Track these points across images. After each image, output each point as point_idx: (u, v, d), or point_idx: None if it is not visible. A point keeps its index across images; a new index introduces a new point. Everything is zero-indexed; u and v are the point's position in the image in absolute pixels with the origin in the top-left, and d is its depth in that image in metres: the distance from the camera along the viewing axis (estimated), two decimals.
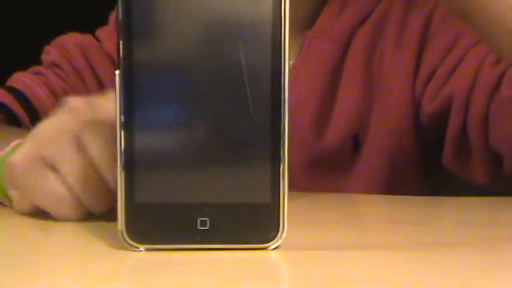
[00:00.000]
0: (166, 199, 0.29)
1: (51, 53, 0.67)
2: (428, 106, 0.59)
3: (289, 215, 0.29)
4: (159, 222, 0.29)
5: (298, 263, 0.28)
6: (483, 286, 0.25)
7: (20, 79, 0.64)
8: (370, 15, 0.63)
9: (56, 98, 0.64)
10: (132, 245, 0.29)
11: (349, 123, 0.60)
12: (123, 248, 0.29)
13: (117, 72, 0.29)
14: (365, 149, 0.61)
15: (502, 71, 0.54)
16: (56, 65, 0.66)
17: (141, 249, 0.29)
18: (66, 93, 0.65)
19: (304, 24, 0.64)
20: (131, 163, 0.29)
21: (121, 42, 0.28)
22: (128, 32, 0.28)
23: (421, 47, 0.61)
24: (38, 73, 0.66)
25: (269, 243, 0.29)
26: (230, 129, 0.30)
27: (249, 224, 0.29)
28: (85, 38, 0.68)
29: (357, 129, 0.60)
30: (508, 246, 0.32)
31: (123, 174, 0.29)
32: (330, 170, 0.60)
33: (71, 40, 0.68)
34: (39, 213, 0.36)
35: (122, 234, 0.29)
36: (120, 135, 0.29)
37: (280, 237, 0.29)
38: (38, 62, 0.69)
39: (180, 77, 0.29)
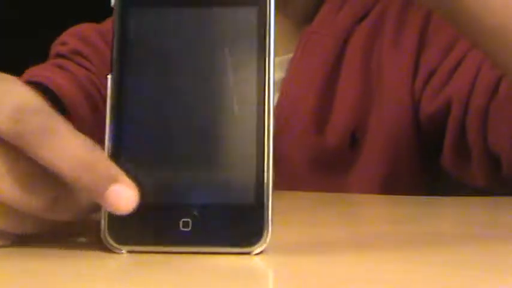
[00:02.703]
0: (148, 200, 0.28)
1: (69, 42, 0.65)
2: (428, 107, 0.58)
3: (285, 214, 0.28)
4: (141, 224, 0.28)
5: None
6: (483, 286, 0.24)
7: (42, 73, 0.61)
8: (369, 12, 0.62)
9: (81, 89, 0.61)
10: (114, 247, 0.28)
11: (348, 120, 0.59)
12: (105, 249, 0.28)
13: (109, 76, 0.28)
14: (364, 146, 0.59)
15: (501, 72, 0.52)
16: (78, 53, 0.64)
17: (123, 251, 0.28)
18: (91, 81, 0.63)
19: (303, 19, 0.63)
20: (115, 164, 0.28)
21: (115, 49, 0.28)
22: (123, 41, 0.28)
23: (420, 45, 0.60)
24: (59, 66, 0.63)
25: (253, 247, 0.28)
26: (213, 128, 0.29)
27: (232, 226, 0.28)
28: (101, 25, 0.66)
29: (355, 126, 0.59)
30: (508, 246, 0.32)
31: None
32: (329, 167, 0.59)
33: (89, 27, 0.66)
34: None
35: (104, 236, 0.28)
36: (109, 136, 0.28)
37: (265, 241, 0.28)
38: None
39: (168, 81, 0.29)
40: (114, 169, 0.27)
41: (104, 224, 0.28)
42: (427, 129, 0.59)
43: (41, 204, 0.26)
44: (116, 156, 0.28)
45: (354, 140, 0.59)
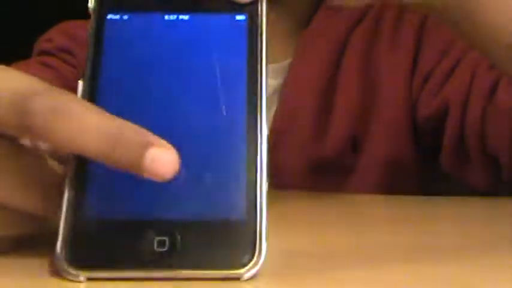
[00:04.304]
0: (115, 214, 0.23)
1: (55, 39, 0.63)
2: (425, 109, 0.57)
3: (285, 216, 0.23)
4: (105, 243, 0.22)
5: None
6: (483, 286, 0.23)
7: (28, 71, 0.57)
8: (366, 16, 0.60)
9: (67, 87, 0.57)
10: (70, 274, 0.22)
11: (349, 125, 0.57)
12: (59, 276, 0.22)
13: (80, 82, 0.25)
14: (364, 151, 0.58)
15: (498, 74, 0.51)
16: (65, 50, 0.62)
17: (81, 278, 0.22)
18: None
19: (300, 23, 0.61)
20: (78, 171, 0.23)
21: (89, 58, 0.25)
22: (98, 46, 0.25)
23: (417, 48, 0.58)
24: (43, 63, 0.61)
25: (242, 270, 0.22)
26: (198, 136, 0.24)
27: (219, 246, 0.22)
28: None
29: (356, 131, 0.57)
30: (508, 246, 0.31)
31: (67, 183, 0.23)
32: (329, 175, 0.57)
33: (76, 25, 0.63)
34: None
35: (59, 260, 0.22)
36: None
37: (257, 263, 0.22)
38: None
39: (148, 88, 0.25)
40: (146, 133, 0.22)
41: (59, 243, 0.22)
42: (425, 131, 0.58)
43: (33, 202, 0.24)
44: (78, 169, 0.23)
45: (354, 146, 0.58)
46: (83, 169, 0.23)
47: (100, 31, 0.25)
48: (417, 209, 0.45)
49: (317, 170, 0.58)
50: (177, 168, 0.21)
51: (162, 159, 0.21)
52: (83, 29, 0.62)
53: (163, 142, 0.22)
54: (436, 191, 0.59)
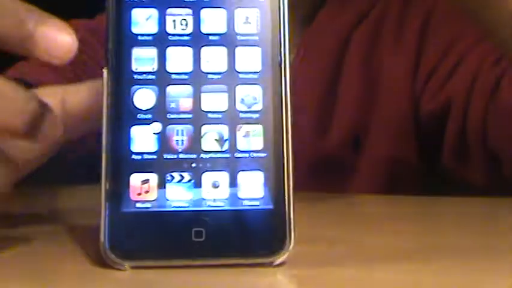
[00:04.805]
0: (155, 207, 0.24)
1: None
2: (428, 106, 0.56)
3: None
4: (147, 235, 0.24)
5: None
6: (483, 286, 0.23)
7: (32, 71, 0.56)
8: (369, 13, 0.60)
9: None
10: (115, 262, 0.24)
11: (351, 122, 0.57)
12: (105, 265, 0.24)
13: (104, 70, 0.25)
14: (366, 147, 0.57)
15: (501, 71, 0.52)
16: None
17: (125, 266, 0.24)
18: (78, 77, 0.58)
19: (303, 21, 0.60)
20: (116, 166, 0.24)
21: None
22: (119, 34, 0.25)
23: (421, 45, 0.58)
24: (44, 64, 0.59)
25: (274, 257, 0.24)
26: (226, 127, 0.25)
27: (250, 235, 0.24)
28: (91, 22, 0.62)
29: (358, 129, 0.57)
30: (508, 246, 0.31)
31: (108, 178, 0.24)
32: (330, 171, 0.57)
33: (77, 24, 0.62)
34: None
35: (105, 249, 0.24)
36: (106, 131, 0.24)
37: (287, 249, 0.24)
38: None
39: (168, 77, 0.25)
40: (37, 11, 0.22)
41: (103, 235, 0.24)
42: (427, 128, 0.58)
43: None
44: (115, 156, 0.24)
45: (356, 142, 0.57)
46: (120, 163, 0.24)
47: (118, 19, 0.25)
48: (417, 208, 0.44)
49: (318, 169, 0.57)
50: (74, 49, 0.22)
51: (55, 38, 0.22)
52: (83, 27, 0.61)
53: (57, 21, 0.22)
54: (436, 191, 0.58)
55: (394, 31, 0.59)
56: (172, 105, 0.25)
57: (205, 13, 0.26)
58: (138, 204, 0.24)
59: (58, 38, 0.22)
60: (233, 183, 0.25)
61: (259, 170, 0.25)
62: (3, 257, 0.26)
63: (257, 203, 0.25)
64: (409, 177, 0.58)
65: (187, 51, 0.25)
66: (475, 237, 0.32)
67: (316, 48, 0.59)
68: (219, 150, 0.25)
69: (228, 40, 0.26)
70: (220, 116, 0.25)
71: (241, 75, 0.25)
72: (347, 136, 0.57)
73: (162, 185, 0.25)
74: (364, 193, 0.56)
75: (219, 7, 0.26)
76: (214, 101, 0.25)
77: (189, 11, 0.26)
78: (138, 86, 0.25)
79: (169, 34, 0.26)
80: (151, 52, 0.25)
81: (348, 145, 0.57)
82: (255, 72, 0.25)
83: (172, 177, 0.25)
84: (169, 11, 0.26)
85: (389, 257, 0.27)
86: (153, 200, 0.24)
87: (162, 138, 0.25)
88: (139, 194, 0.24)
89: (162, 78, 0.25)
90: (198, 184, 0.25)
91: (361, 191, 0.56)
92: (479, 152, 0.53)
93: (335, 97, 0.58)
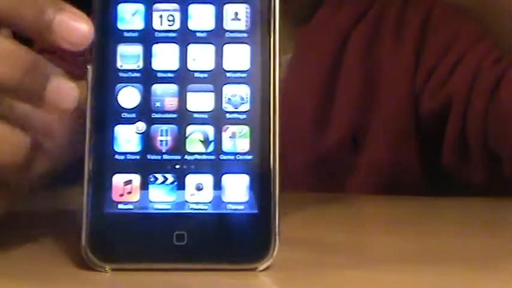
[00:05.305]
0: (137, 209, 0.24)
1: None
2: (427, 105, 0.56)
3: (284, 216, 0.24)
4: (129, 237, 0.24)
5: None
6: (483, 286, 0.23)
7: None
8: (368, 12, 0.59)
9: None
10: (96, 265, 0.23)
11: (350, 122, 0.56)
12: (86, 268, 0.23)
13: (89, 66, 0.24)
14: (364, 147, 0.56)
15: (501, 71, 0.51)
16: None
17: (106, 268, 0.23)
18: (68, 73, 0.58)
19: (301, 19, 0.59)
20: (99, 167, 0.24)
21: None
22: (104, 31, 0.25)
23: (420, 44, 0.57)
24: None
25: (257, 264, 0.23)
26: (212, 126, 0.24)
27: (234, 240, 0.24)
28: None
29: (356, 127, 0.56)
30: (508, 246, 0.31)
31: (89, 178, 0.24)
32: (329, 171, 0.56)
33: None
34: None
35: (86, 251, 0.23)
36: (90, 130, 0.24)
37: (271, 255, 0.24)
38: None
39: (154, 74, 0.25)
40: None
41: (84, 236, 0.23)
42: (426, 128, 0.57)
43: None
44: (98, 156, 0.24)
45: (355, 141, 0.56)
46: (103, 163, 0.24)
47: (104, 16, 0.25)
48: (417, 209, 0.44)
49: (317, 166, 0.57)
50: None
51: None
52: None
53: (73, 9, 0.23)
54: (436, 191, 0.58)
55: (393, 30, 0.58)
56: (157, 104, 0.24)
57: (193, 9, 0.25)
58: (120, 206, 0.24)
59: (76, 25, 0.23)
60: (217, 186, 0.24)
61: (245, 173, 0.24)
62: None
63: (242, 207, 0.24)
64: (409, 177, 0.58)
65: (174, 49, 0.25)
66: (476, 238, 0.32)
67: (314, 48, 0.58)
68: (204, 151, 0.24)
69: (216, 37, 0.25)
70: (206, 116, 0.24)
71: (228, 74, 0.25)
72: (346, 136, 0.56)
73: (145, 186, 0.24)
74: (363, 193, 0.55)
75: (208, 3, 0.25)
76: (200, 100, 0.24)
77: (177, 6, 0.25)
78: (123, 84, 0.24)
79: (156, 31, 0.25)
80: (137, 49, 0.25)
81: (346, 145, 0.56)
82: (243, 71, 0.25)
83: (156, 179, 0.24)
84: (156, 6, 0.25)
85: (389, 258, 0.27)
86: (136, 202, 0.24)
87: (146, 138, 0.24)
88: (121, 195, 0.24)
89: (147, 76, 0.24)
90: (181, 186, 0.24)
91: (360, 190, 0.56)
92: (480, 152, 0.52)
93: (333, 97, 0.57)
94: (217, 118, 0.24)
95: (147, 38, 0.25)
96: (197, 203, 0.24)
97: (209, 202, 0.24)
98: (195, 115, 0.24)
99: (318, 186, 0.56)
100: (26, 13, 0.22)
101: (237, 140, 0.24)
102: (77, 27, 0.23)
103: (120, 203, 0.24)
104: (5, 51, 0.22)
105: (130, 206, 0.24)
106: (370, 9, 0.60)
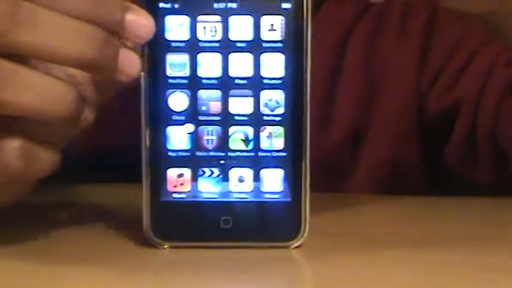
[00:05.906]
0: (190, 198, 0.28)
1: None
2: (434, 106, 0.54)
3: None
4: (183, 221, 0.28)
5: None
6: (483, 286, 0.24)
7: None
8: (372, 7, 0.57)
9: None
10: (156, 243, 0.28)
11: (351, 116, 0.55)
12: (147, 245, 0.28)
13: (142, 73, 0.27)
14: (366, 144, 0.56)
15: None
16: None
17: (165, 246, 0.28)
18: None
19: None
20: (155, 162, 0.28)
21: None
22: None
23: (425, 42, 0.55)
24: None
25: (291, 242, 0.28)
26: (251, 124, 0.28)
27: (271, 223, 0.28)
28: None
29: (358, 123, 0.55)
30: (508, 246, 0.31)
31: (148, 171, 0.28)
32: (330, 169, 0.55)
33: None
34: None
35: (147, 232, 0.28)
36: (145, 131, 0.27)
37: (302, 235, 0.28)
38: None
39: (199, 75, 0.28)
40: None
41: (146, 220, 0.28)
42: (431, 127, 0.56)
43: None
44: (154, 153, 0.28)
45: (357, 138, 0.55)
46: (159, 160, 0.28)
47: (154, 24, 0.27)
48: (418, 209, 0.43)
49: (318, 164, 0.54)
50: (152, 31, 0.26)
51: (140, 22, 0.26)
52: None
53: (138, 8, 0.26)
54: (439, 190, 0.56)
55: (398, 26, 0.56)
56: (203, 108, 0.28)
57: (233, 20, 0.28)
58: (174, 195, 0.28)
59: (141, 22, 0.26)
60: (256, 178, 0.28)
61: (280, 167, 0.28)
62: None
63: (277, 196, 0.28)
64: (410, 175, 0.56)
65: (217, 57, 0.28)
66: (475, 237, 0.33)
67: (317, 43, 0.56)
68: (245, 149, 0.28)
69: (254, 47, 0.28)
70: (246, 118, 0.28)
71: (265, 81, 0.28)
72: (347, 133, 0.55)
73: (194, 178, 0.28)
74: (364, 191, 0.54)
75: (246, 14, 0.27)
76: (240, 104, 0.28)
77: (219, 18, 0.27)
78: (172, 90, 0.28)
79: (200, 41, 0.28)
80: (184, 58, 0.28)
81: (348, 142, 0.55)
82: (278, 78, 0.28)
83: (204, 172, 0.28)
84: (200, 18, 0.28)
85: (389, 258, 0.28)
86: (188, 192, 0.28)
87: (195, 137, 0.28)
88: (175, 186, 0.28)
89: (194, 83, 0.28)
90: (225, 178, 0.28)
91: (361, 188, 0.55)
92: (488, 150, 0.51)
93: (336, 92, 0.55)
94: (256, 120, 0.28)
95: (193, 47, 0.27)
96: (240, 193, 0.28)
97: (250, 192, 0.28)
98: (236, 117, 0.28)
99: (318, 184, 0.55)
100: (103, 14, 0.25)
101: (273, 139, 0.28)
102: (143, 24, 0.26)
103: (174, 192, 0.28)
104: (80, 29, 0.24)
105: (183, 195, 0.28)
106: (374, 4, 0.58)
